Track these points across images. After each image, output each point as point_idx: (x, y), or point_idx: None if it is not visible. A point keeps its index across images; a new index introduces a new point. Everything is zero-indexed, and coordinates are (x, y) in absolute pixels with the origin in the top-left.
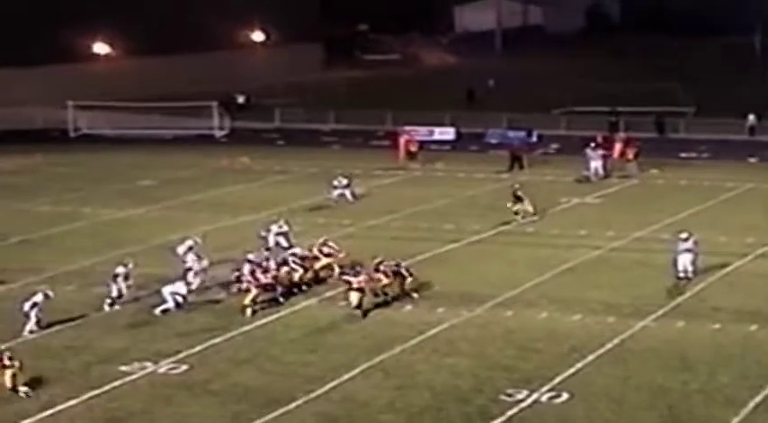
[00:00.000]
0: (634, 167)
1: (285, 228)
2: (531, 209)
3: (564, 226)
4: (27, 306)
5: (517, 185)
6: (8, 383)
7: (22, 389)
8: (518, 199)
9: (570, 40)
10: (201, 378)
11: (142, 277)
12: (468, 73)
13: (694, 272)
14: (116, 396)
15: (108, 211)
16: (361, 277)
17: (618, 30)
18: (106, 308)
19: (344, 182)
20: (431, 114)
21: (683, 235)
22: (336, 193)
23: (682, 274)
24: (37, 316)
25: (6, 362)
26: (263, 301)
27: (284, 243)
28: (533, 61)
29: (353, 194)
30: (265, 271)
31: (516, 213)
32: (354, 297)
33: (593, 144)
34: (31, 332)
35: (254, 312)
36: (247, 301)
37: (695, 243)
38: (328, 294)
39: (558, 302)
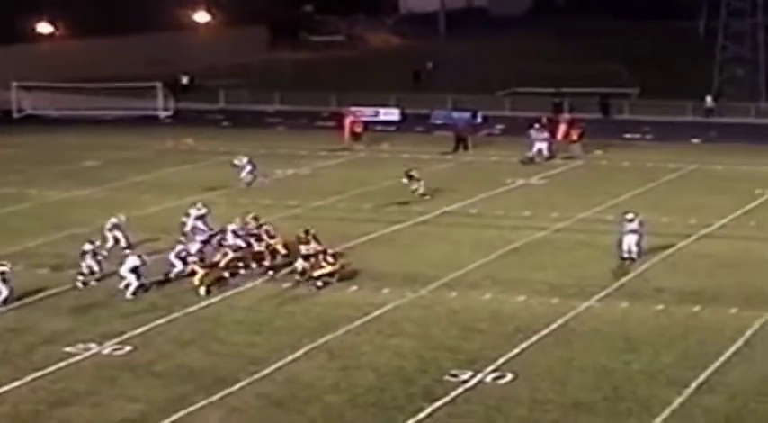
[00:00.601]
0: (578, 149)
1: (204, 210)
2: (422, 190)
3: (508, 207)
4: None
5: (411, 168)
6: None
7: None
8: (411, 178)
9: (515, 21)
10: (146, 359)
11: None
12: (413, 55)
13: (639, 253)
14: (60, 377)
15: (53, 192)
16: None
17: (564, 12)
18: (79, 284)
19: (245, 160)
20: (376, 95)
21: (629, 216)
22: (243, 173)
23: (626, 255)
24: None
25: None
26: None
27: (202, 226)
28: (477, 43)
29: (253, 172)
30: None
31: (414, 191)
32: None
33: (537, 125)
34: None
35: (207, 291)
36: (197, 280)
37: (641, 224)
38: (272, 275)
39: (503, 283)
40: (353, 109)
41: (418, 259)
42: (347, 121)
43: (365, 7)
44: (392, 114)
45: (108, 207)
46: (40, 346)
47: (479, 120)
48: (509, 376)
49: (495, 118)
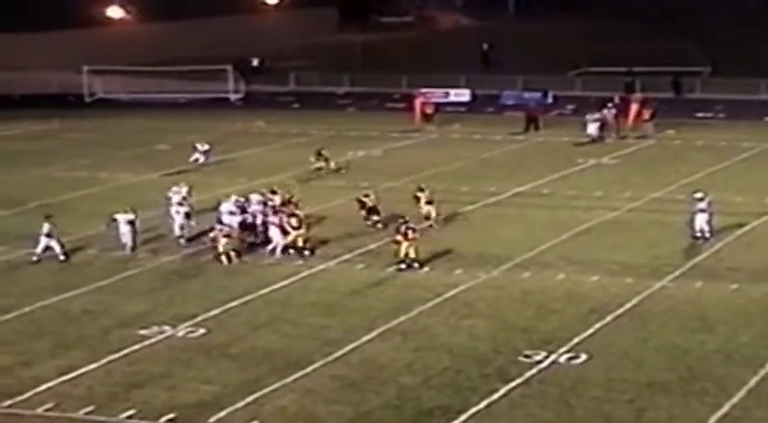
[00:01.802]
0: (651, 128)
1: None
2: (333, 166)
3: (580, 187)
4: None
5: (322, 147)
6: None
7: None
8: (320, 156)
9: (585, 0)
10: (220, 341)
11: (157, 241)
12: (483, 35)
13: (711, 231)
14: (135, 360)
15: (124, 175)
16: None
17: None
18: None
19: (206, 147)
20: (446, 76)
21: (699, 195)
22: (194, 156)
23: (698, 234)
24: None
25: None
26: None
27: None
28: (547, 22)
29: (207, 160)
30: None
31: (319, 169)
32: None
33: (610, 104)
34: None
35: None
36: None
37: (710, 203)
38: (346, 257)
39: (576, 264)
40: (424, 90)
41: (491, 240)
42: (418, 102)
43: None
44: (462, 95)
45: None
46: (116, 328)
47: (550, 99)
48: (583, 357)
49: (565, 98)
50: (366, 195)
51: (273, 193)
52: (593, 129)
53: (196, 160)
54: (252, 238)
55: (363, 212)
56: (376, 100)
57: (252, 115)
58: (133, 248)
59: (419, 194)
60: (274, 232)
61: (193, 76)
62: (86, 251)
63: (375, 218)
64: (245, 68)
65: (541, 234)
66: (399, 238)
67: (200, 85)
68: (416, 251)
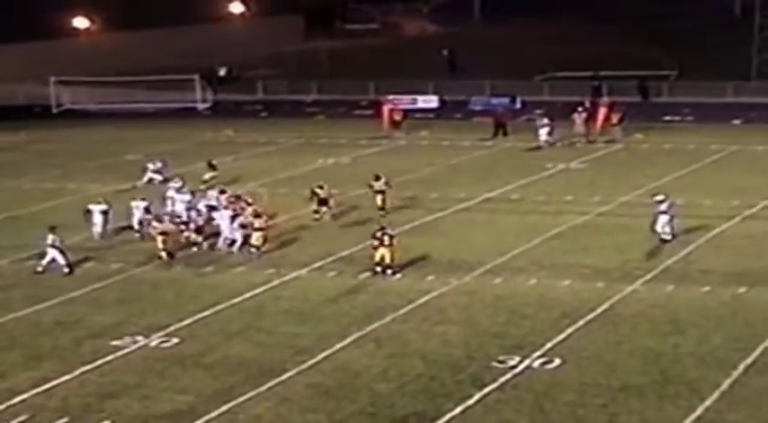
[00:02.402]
0: (619, 132)
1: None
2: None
3: (550, 192)
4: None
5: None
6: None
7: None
8: (211, 167)
9: (550, 6)
10: (193, 351)
11: (129, 253)
12: (449, 41)
13: (672, 233)
14: (109, 371)
15: (93, 186)
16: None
17: None
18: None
19: (159, 165)
20: (413, 83)
21: (659, 197)
22: (147, 176)
23: (662, 236)
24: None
25: None
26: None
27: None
28: (513, 27)
29: (162, 178)
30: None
31: (212, 179)
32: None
33: (580, 108)
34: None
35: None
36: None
37: (671, 205)
38: (317, 265)
39: (547, 268)
40: (392, 97)
41: (462, 246)
42: (386, 109)
43: None
44: (431, 101)
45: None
46: (88, 339)
47: (518, 105)
48: (557, 361)
49: (533, 103)
50: (320, 187)
51: (222, 192)
52: (543, 134)
53: (150, 181)
54: (193, 236)
55: (314, 204)
56: (344, 107)
57: (220, 124)
58: (102, 235)
59: (373, 184)
60: (231, 228)
61: (160, 85)
62: (57, 262)
63: (324, 209)
64: (211, 78)
65: (512, 239)
66: (376, 243)
67: (168, 95)
68: (393, 257)
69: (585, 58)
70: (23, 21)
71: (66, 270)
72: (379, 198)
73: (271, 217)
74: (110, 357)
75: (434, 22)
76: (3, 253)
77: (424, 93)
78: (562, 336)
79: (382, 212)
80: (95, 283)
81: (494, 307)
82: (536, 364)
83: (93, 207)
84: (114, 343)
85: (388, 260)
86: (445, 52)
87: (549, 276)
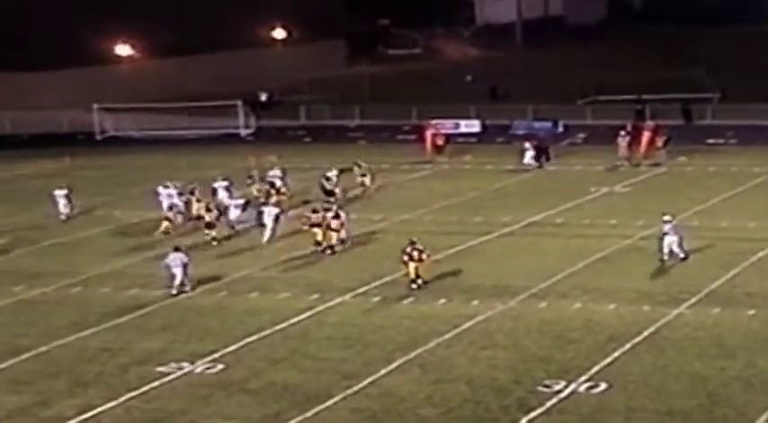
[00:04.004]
0: (663, 155)
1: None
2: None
3: (594, 216)
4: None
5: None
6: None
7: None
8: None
9: (592, 30)
10: (238, 377)
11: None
12: (491, 66)
13: (684, 253)
14: (154, 397)
15: (138, 212)
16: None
17: (640, 18)
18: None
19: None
20: (456, 107)
21: (666, 217)
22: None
23: (665, 257)
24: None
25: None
26: None
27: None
28: (555, 52)
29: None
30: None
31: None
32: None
33: (623, 132)
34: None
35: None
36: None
37: (675, 226)
38: (361, 290)
39: (593, 292)
40: (434, 121)
41: (506, 270)
42: (428, 133)
43: (442, 20)
44: (473, 126)
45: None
46: (134, 366)
47: (561, 129)
48: (603, 386)
49: (576, 127)
50: (327, 179)
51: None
52: (528, 157)
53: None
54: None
55: (323, 194)
56: (387, 132)
57: (263, 150)
58: (68, 217)
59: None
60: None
61: (203, 111)
62: (102, 289)
63: (331, 199)
64: (254, 103)
65: (557, 263)
66: (406, 258)
67: (211, 121)
68: (422, 272)
69: (628, 81)
70: (67, 48)
71: (174, 292)
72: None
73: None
74: (155, 384)
75: (476, 47)
76: (48, 280)
77: (467, 117)
78: (608, 360)
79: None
80: (141, 310)
81: (539, 331)
82: (582, 388)
83: (57, 192)
84: (160, 369)
85: (413, 275)
86: (469, 78)
87: (594, 300)
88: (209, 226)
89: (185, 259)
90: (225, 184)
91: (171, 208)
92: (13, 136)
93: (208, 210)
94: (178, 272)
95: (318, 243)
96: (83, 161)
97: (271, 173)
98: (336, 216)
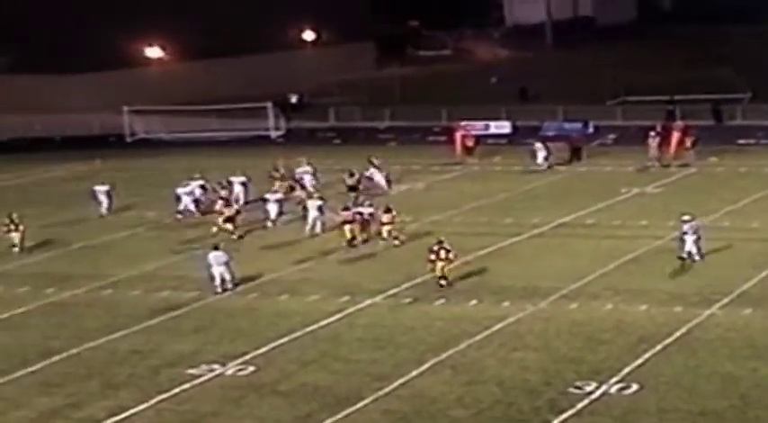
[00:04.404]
0: (692, 156)
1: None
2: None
3: (625, 217)
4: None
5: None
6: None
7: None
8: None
9: (622, 30)
10: (270, 379)
11: (204, 281)
12: (521, 66)
13: (700, 254)
14: (185, 399)
15: (168, 214)
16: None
17: (670, 19)
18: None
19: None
20: (486, 108)
21: (685, 217)
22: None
23: (685, 256)
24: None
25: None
26: None
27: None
28: (585, 52)
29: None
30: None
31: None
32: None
33: (652, 133)
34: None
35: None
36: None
37: (694, 226)
38: (392, 291)
39: (623, 293)
40: (464, 123)
41: (537, 271)
42: (458, 135)
43: (471, 21)
44: (503, 127)
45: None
46: (165, 368)
47: (591, 129)
48: (634, 387)
49: (606, 127)
50: (351, 175)
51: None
52: (541, 158)
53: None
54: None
55: (347, 190)
56: (417, 133)
57: (293, 152)
58: (107, 212)
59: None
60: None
61: (233, 114)
62: (133, 291)
63: (353, 194)
64: (284, 105)
65: (587, 264)
66: (432, 257)
67: (241, 123)
68: (448, 271)
69: (658, 81)
70: (98, 51)
71: (219, 290)
72: (385, 230)
73: None
74: (186, 386)
75: (506, 48)
76: (79, 282)
77: (497, 118)
78: (639, 361)
79: (383, 243)
80: (172, 312)
81: (570, 332)
82: (613, 389)
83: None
84: (190, 371)
85: (444, 272)
86: (494, 79)
87: (625, 301)
88: (229, 220)
89: (225, 258)
90: (242, 179)
91: (197, 203)
92: (45, 139)
93: (227, 205)
94: (219, 270)
95: (350, 241)
96: (113, 163)
97: (299, 170)
98: (388, 210)
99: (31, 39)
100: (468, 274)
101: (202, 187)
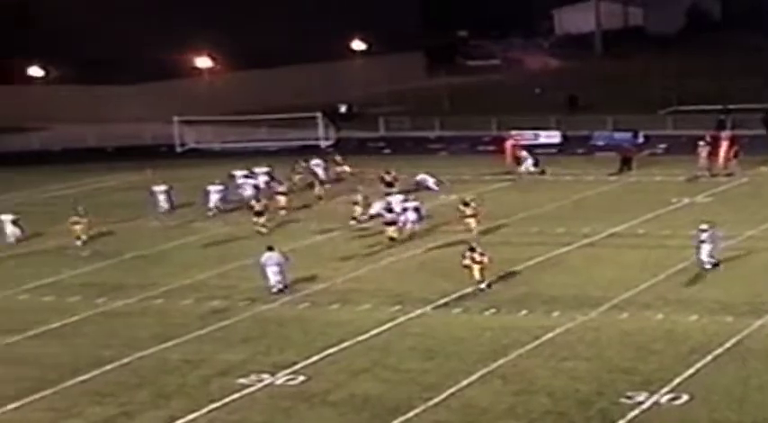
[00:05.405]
0: (735, 166)
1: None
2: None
3: (675, 226)
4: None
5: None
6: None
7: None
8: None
9: (671, 39)
10: (319, 389)
11: (254, 291)
12: (571, 76)
13: (714, 262)
14: (236, 409)
15: (219, 224)
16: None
17: (719, 28)
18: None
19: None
20: (535, 118)
21: (703, 226)
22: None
23: (708, 265)
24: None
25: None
26: None
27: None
28: (635, 62)
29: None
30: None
31: None
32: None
33: (701, 142)
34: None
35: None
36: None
37: (712, 234)
38: (442, 301)
39: (674, 303)
40: (514, 132)
41: (587, 281)
42: (508, 144)
43: (520, 31)
44: (553, 137)
45: (273, 239)
46: (215, 377)
47: (641, 139)
48: (685, 397)
49: (656, 137)
50: (387, 172)
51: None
52: (529, 164)
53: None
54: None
55: (383, 186)
56: (466, 143)
57: (343, 161)
58: (167, 212)
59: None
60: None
61: (283, 123)
62: (184, 301)
63: (390, 190)
64: (334, 115)
65: (638, 274)
66: (468, 262)
67: (291, 133)
68: (483, 273)
69: (707, 90)
70: (148, 62)
71: (276, 289)
72: (472, 222)
73: None
74: (236, 396)
75: (555, 57)
76: (131, 292)
77: (547, 128)
78: (690, 371)
79: (473, 234)
80: (222, 322)
81: (621, 342)
82: (664, 399)
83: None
84: (241, 381)
85: (477, 276)
86: (538, 90)
87: (676, 311)
88: (259, 214)
89: (280, 259)
90: (266, 169)
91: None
92: (97, 149)
93: (257, 199)
94: (273, 271)
95: (391, 240)
96: (164, 173)
97: (313, 162)
98: (466, 203)
99: (83, 50)
100: (519, 284)
101: (269, 176)
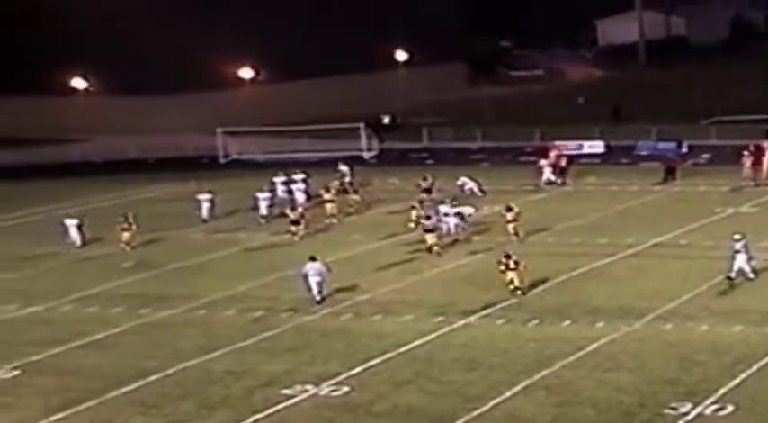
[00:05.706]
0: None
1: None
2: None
3: (719, 237)
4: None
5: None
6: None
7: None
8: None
9: (715, 50)
10: (363, 400)
11: (297, 301)
12: (614, 86)
13: (754, 271)
14: (280, 420)
15: (261, 235)
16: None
17: (763, 38)
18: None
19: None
20: (579, 128)
21: (736, 236)
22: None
23: (734, 275)
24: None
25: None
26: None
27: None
28: (678, 72)
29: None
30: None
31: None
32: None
33: (746, 152)
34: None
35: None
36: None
37: (746, 245)
38: (486, 312)
39: (718, 314)
40: (558, 143)
41: (630, 292)
42: (552, 155)
43: (563, 41)
44: (596, 147)
45: (317, 250)
46: (259, 388)
47: (685, 149)
48: (730, 408)
49: (700, 147)
50: (425, 179)
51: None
52: (548, 174)
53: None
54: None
55: (421, 193)
56: (509, 154)
57: (386, 172)
58: (208, 220)
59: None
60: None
61: (326, 134)
62: (227, 311)
63: (426, 196)
64: (377, 126)
65: (681, 285)
66: (502, 268)
67: (333, 144)
68: (521, 279)
69: (751, 101)
70: (190, 72)
71: (318, 298)
72: (511, 227)
73: None
74: (280, 406)
75: (599, 67)
76: (174, 303)
77: (590, 138)
78: (735, 382)
79: (516, 239)
80: (265, 332)
81: (665, 353)
82: (709, 410)
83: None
84: (284, 392)
85: (516, 282)
86: (581, 100)
87: (720, 322)
88: (295, 223)
89: (322, 269)
90: (302, 176)
91: (294, 203)
92: (139, 160)
93: (292, 208)
94: (315, 281)
95: (429, 249)
96: (207, 184)
97: (341, 169)
98: (509, 208)
99: (125, 62)
100: (562, 295)
101: (304, 181)
